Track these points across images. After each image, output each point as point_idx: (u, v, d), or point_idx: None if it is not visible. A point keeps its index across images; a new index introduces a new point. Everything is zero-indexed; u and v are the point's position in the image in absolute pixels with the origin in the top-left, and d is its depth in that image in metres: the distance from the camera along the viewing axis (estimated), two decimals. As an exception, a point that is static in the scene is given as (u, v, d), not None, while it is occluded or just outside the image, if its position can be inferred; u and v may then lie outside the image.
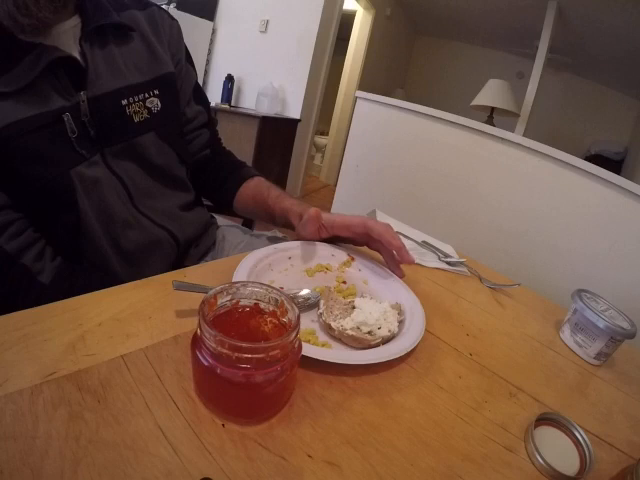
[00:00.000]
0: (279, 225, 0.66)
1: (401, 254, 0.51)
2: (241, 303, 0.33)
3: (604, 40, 2.87)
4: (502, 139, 1.56)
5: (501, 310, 0.58)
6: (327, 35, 3.05)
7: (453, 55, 4.52)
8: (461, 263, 0.69)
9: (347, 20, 3.53)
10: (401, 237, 0.74)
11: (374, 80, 4.03)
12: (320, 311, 0.42)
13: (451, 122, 1.67)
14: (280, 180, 3.16)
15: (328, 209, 2.14)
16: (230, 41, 3.32)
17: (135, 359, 0.32)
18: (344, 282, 0.52)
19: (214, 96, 3.21)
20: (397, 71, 4.73)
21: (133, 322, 0.37)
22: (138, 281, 0.43)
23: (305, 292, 0.46)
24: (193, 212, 0.70)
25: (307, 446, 0.28)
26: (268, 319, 0.32)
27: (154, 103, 0.59)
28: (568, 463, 0.32)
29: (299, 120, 3.10)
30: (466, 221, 1.66)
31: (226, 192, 0.73)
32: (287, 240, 0.66)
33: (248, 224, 0.94)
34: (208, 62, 3.41)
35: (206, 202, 0.78)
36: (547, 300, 0.66)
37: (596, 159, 3.25)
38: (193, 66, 0.72)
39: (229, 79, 3.10)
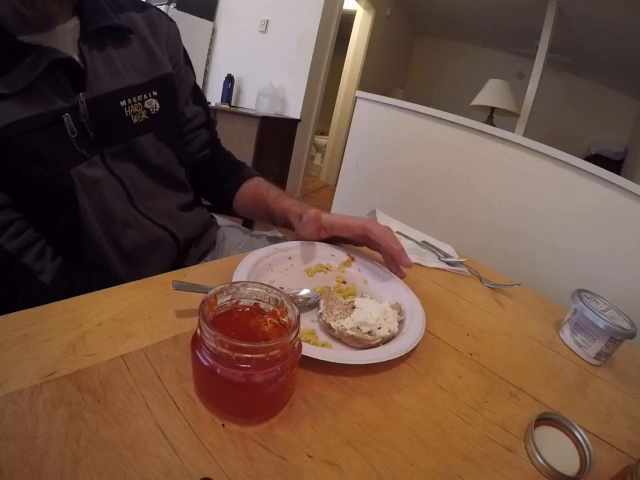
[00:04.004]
0: (279, 225, 0.66)
1: (400, 258, 0.51)
2: (241, 303, 0.33)
3: (604, 40, 2.87)
4: (502, 139, 1.56)
5: (501, 310, 0.58)
6: (327, 35, 3.05)
7: (453, 55, 4.52)
8: (461, 263, 0.69)
9: (347, 20, 3.53)
10: (401, 237, 0.75)
11: (374, 80, 4.03)
12: (320, 311, 0.42)
13: (451, 122, 1.67)
14: (280, 180, 3.16)
15: (328, 209, 2.14)
16: (230, 41, 3.32)
17: (135, 359, 0.32)
18: (344, 282, 0.52)
19: (214, 96, 3.21)
20: (397, 71, 4.72)
21: (133, 322, 0.37)
22: (138, 281, 0.43)
23: (305, 292, 0.46)
24: (193, 212, 0.70)
25: (307, 446, 0.28)
26: (268, 319, 0.32)
27: (153, 104, 0.59)
28: (568, 463, 0.32)
29: (299, 120, 3.10)
30: (466, 221, 1.66)
31: (226, 192, 0.73)
32: (287, 240, 0.66)
33: (248, 224, 0.94)
34: (208, 62, 3.41)
35: (206, 202, 0.78)
36: (547, 300, 0.66)
37: (596, 159, 3.25)
38: (191, 67, 0.72)
39: (229, 79, 3.10)
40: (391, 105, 1.84)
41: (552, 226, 1.46)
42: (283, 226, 0.65)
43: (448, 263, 0.69)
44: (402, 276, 0.53)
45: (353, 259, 0.56)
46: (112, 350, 0.33)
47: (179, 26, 0.69)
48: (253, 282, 0.33)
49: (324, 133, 4.63)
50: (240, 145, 2.73)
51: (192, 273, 0.48)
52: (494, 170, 1.60)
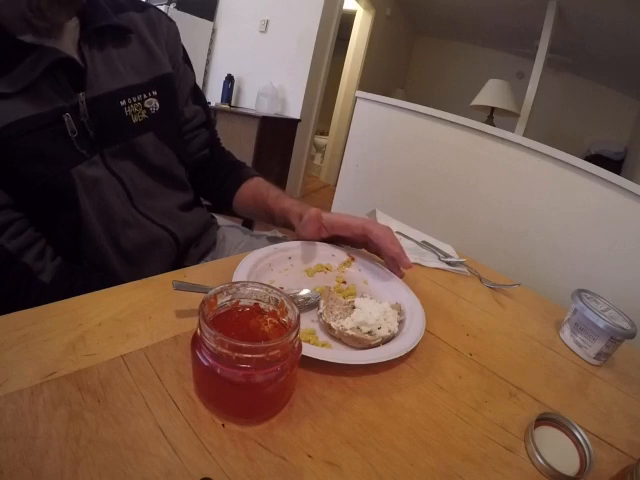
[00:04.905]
0: (278, 225, 0.66)
1: (400, 259, 0.51)
2: (241, 303, 0.33)
3: (604, 40, 2.87)
4: (502, 139, 1.56)
5: (501, 310, 0.58)
6: (327, 35, 3.05)
7: (453, 55, 4.52)
8: (461, 263, 0.69)
9: (347, 20, 3.53)
10: (401, 237, 0.75)
11: (374, 80, 4.02)
12: (320, 311, 0.42)
13: (451, 122, 1.67)
14: (280, 180, 3.16)
15: (328, 209, 2.13)
16: (230, 41, 3.32)
17: (135, 359, 0.32)
18: (344, 282, 0.52)
19: (214, 96, 3.21)
20: (397, 71, 4.72)
21: (133, 322, 0.37)
22: (138, 281, 0.43)
23: (305, 292, 0.46)
24: (192, 212, 0.70)
25: (307, 446, 0.28)
26: (268, 319, 0.32)
27: (152, 104, 0.59)
28: (568, 463, 0.32)
29: (299, 120, 3.10)
30: (466, 221, 1.66)
31: (225, 192, 0.73)
32: (287, 240, 0.66)
33: (248, 224, 0.94)
34: (208, 62, 3.41)
35: (206, 202, 0.78)
36: (547, 300, 0.66)
37: (596, 159, 3.25)
38: (191, 67, 0.72)
39: (229, 79, 3.10)
40: (391, 105, 1.84)
41: (552, 226, 1.46)
42: (283, 226, 0.65)
43: (448, 263, 0.69)
44: (401, 275, 0.53)
45: (353, 259, 0.56)
46: (112, 350, 0.33)
47: (179, 26, 0.69)
48: (253, 282, 0.33)
49: (324, 133, 4.63)
50: (240, 145, 2.73)
51: (192, 273, 0.48)
52: (494, 170, 1.60)
